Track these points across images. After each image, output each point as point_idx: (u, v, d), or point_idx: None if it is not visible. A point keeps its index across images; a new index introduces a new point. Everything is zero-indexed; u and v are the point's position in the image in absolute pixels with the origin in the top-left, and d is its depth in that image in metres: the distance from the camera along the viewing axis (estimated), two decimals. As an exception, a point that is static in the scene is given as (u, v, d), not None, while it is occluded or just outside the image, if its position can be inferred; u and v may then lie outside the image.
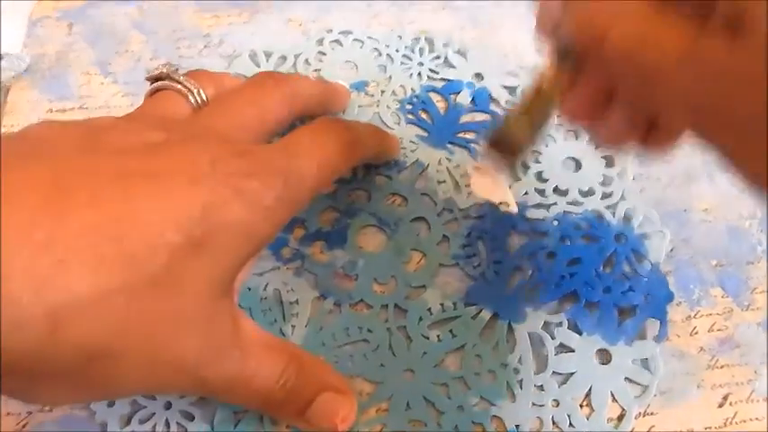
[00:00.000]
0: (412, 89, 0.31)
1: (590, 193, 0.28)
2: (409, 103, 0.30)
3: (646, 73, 0.16)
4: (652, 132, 0.20)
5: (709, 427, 0.24)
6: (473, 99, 0.31)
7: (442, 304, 0.25)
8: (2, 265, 0.14)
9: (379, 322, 0.25)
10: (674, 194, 0.28)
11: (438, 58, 0.32)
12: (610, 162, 0.29)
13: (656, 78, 0.16)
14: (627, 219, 0.27)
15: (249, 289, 0.26)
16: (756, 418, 0.24)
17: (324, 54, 0.32)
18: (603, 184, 0.28)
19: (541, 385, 0.24)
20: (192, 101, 0.23)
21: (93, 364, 0.16)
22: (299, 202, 0.21)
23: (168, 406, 0.23)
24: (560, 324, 0.25)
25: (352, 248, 0.27)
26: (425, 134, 0.30)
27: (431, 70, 0.31)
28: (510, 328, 0.25)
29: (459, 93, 0.31)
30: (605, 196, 0.28)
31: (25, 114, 0.30)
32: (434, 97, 0.31)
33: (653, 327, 0.25)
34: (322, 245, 0.27)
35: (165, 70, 0.23)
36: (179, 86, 0.23)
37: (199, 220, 0.18)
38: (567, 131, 0.29)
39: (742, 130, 0.15)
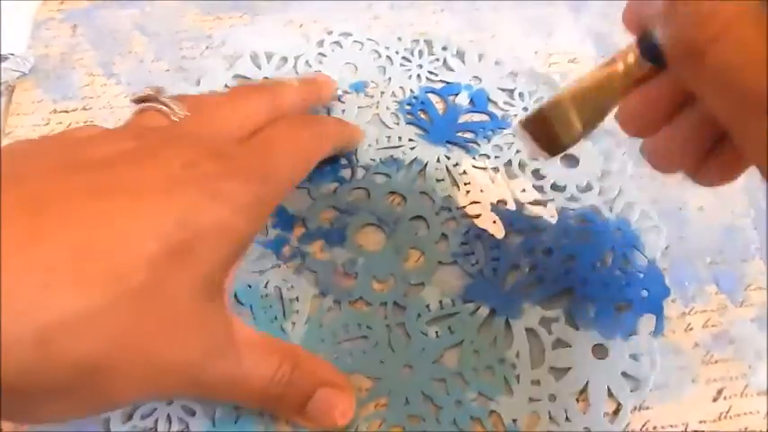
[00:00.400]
0: (411, 90, 0.31)
1: (588, 188, 0.28)
2: (408, 104, 0.31)
3: (748, 103, 0.14)
4: (711, 157, 0.18)
5: (704, 421, 0.24)
6: (471, 100, 0.31)
7: (440, 301, 0.26)
8: None
9: (378, 319, 0.25)
10: (669, 192, 0.28)
11: (437, 60, 0.32)
12: (607, 158, 0.29)
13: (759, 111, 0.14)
14: (624, 215, 0.28)
15: (250, 286, 0.26)
16: (750, 412, 0.24)
17: (324, 55, 0.32)
18: (601, 179, 0.29)
19: (538, 380, 0.24)
20: (175, 119, 0.22)
21: (87, 379, 0.16)
22: (277, 198, 0.21)
23: (170, 402, 0.24)
24: (557, 320, 0.25)
25: (352, 247, 0.27)
26: (424, 134, 0.30)
27: (430, 72, 0.32)
28: (507, 324, 0.25)
29: (457, 94, 0.31)
30: (603, 192, 0.28)
31: (29, 115, 0.31)
32: (433, 98, 0.31)
33: (649, 322, 0.25)
34: (322, 243, 0.27)
35: (151, 92, 0.23)
36: (162, 107, 0.22)
37: (177, 227, 0.17)
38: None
39: None
